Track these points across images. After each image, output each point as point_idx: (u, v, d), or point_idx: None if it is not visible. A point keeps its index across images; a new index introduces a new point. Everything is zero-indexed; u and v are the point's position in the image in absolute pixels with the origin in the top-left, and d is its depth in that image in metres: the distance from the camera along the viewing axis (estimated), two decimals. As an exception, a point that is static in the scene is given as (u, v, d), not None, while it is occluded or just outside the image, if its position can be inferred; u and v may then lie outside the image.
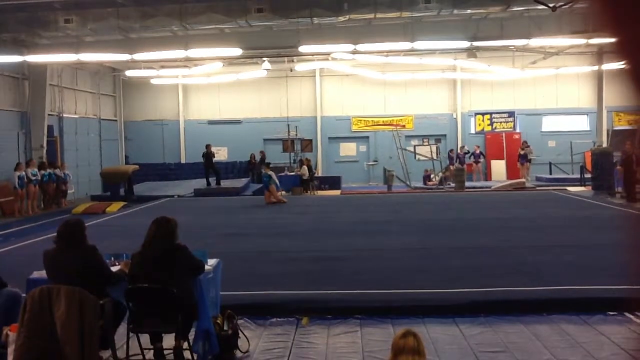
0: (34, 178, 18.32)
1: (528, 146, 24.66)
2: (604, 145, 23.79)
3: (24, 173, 17.97)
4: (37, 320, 4.56)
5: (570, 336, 5.71)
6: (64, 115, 22.87)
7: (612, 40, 0.89)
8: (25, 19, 16.61)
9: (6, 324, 5.00)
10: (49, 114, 21.10)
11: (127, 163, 26.36)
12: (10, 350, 4.75)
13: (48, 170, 19.28)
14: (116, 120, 27.86)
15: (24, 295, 4.97)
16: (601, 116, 25.60)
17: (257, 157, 25.34)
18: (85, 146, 24.56)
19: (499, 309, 6.43)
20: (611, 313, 6.23)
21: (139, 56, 19.03)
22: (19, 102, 20.34)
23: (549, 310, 6.38)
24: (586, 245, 9.58)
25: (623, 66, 0.89)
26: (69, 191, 20.83)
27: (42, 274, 5.19)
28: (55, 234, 5.09)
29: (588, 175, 21.13)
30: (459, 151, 25.52)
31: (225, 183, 21.85)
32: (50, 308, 4.57)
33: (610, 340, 5.56)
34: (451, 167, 23.76)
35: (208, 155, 20.90)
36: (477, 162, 25.61)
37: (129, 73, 24.94)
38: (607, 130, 25.47)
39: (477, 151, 25.67)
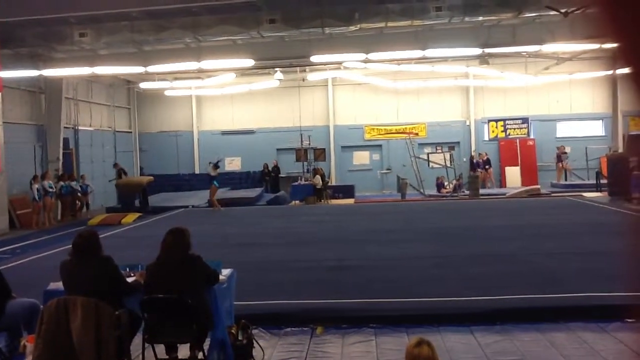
0: (50, 190, 18.54)
1: (565, 152, 24.69)
2: (620, 150, 23.55)
3: (40, 185, 18.20)
4: (53, 331, 4.60)
5: (588, 344, 5.65)
6: (80, 127, 23.15)
7: (615, 46, 0.90)
8: (42, 33, 16.83)
9: (28, 333, 5.05)
10: (64, 127, 21.37)
11: (141, 174, 26.56)
12: (28, 361, 4.80)
13: (67, 182, 19.53)
14: (131, 132, 28.14)
15: (42, 306, 5.02)
16: (616, 121, 25.37)
17: (270, 167, 25.44)
18: (101, 158, 24.82)
19: (515, 317, 6.38)
20: (629, 320, 6.14)
21: (153, 68, 19.23)
22: (35, 116, 20.62)
23: (565, 317, 6.32)
24: (603, 252, 9.45)
25: (627, 72, 0.89)
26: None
27: (58, 285, 5.23)
28: (70, 245, 5.14)
29: (604, 181, 20.92)
30: (478, 158, 25.34)
31: (239, 193, 21.92)
32: (66, 319, 4.61)
33: (628, 348, 5.49)
34: (474, 172, 23.67)
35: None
36: (485, 169, 25.42)
37: (143, 85, 25.16)
38: (623, 135, 25.21)
39: (485, 158, 25.50)
